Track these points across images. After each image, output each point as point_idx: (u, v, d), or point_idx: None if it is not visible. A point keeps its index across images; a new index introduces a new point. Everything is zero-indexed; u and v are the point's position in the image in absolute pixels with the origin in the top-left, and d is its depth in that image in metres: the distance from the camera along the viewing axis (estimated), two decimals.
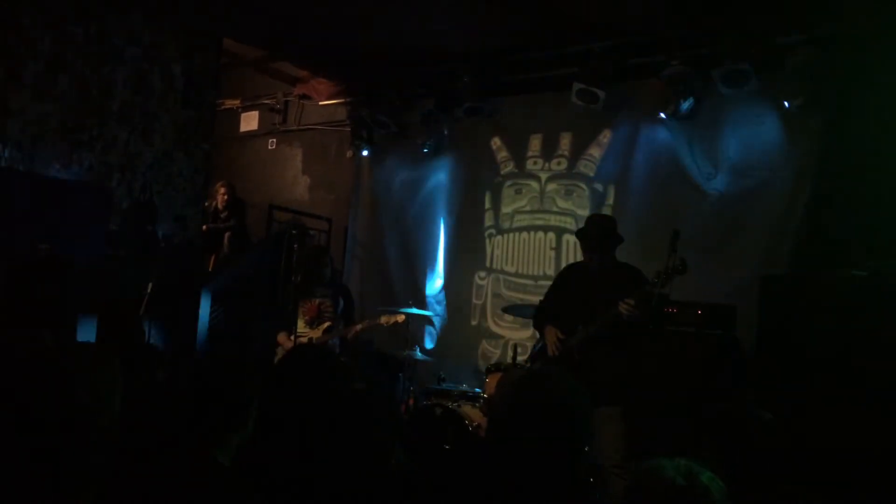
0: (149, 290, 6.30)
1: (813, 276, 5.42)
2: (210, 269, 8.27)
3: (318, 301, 6.01)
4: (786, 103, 6.06)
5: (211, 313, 7.21)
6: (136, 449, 2.22)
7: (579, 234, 5.02)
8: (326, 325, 5.97)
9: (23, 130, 6.54)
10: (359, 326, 5.97)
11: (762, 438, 2.44)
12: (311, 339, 5.85)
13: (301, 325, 5.96)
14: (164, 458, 2.13)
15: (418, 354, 6.52)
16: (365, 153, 8.70)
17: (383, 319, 6.00)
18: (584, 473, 4.86)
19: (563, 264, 6.84)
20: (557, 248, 7.37)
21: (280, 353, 5.90)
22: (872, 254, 4.93)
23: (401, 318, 6.05)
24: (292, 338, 5.87)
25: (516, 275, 7.65)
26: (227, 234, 8.50)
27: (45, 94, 6.67)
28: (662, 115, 6.67)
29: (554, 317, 4.94)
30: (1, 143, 6.41)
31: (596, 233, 4.85)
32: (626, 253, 5.20)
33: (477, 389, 6.27)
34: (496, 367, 6.24)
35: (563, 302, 4.98)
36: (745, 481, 2.27)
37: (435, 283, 8.11)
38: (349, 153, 8.88)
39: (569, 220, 7.24)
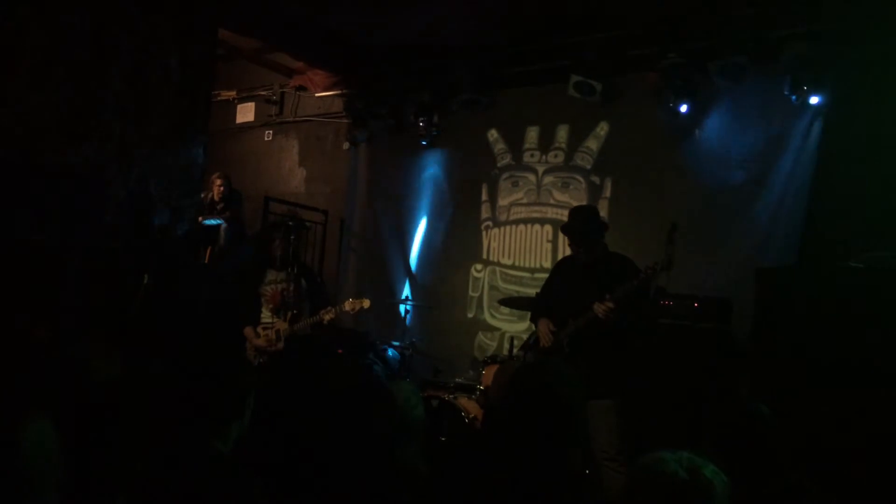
0: (145, 282, 6.28)
1: (810, 269, 5.43)
2: (206, 261, 8.25)
3: (280, 287, 5.82)
4: (783, 96, 6.06)
5: (206, 305, 7.20)
6: (137, 438, 2.22)
7: (563, 228, 5.02)
8: (292, 313, 5.78)
9: (18, 121, 6.50)
10: (326, 316, 5.78)
11: (760, 432, 2.44)
12: (278, 331, 5.68)
13: (266, 314, 5.75)
14: (163, 447, 2.13)
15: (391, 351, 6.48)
16: (361, 145, 8.69)
17: (348, 306, 5.79)
18: (579, 465, 4.87)
19: (560, 257, 6.85)
20: (554, 241, 7.38)
21: (249, 348, 5.71)
22: (870, 247, 4.93)
23: (366, 303, 5.88)
24: (259, 330, 5.70)
25: (513, 267, 7.66)
26: (222, 226, 8.47)
27: (40, 86, 6.62)
28: (660, 106, 6.67)
29: (548, 309, 4.95)
30: None
31: (578, 224, 4.85)
32: (622, 245, 5.21)
33: (473, 382, 6.28)
34: (492, 360, 6.25)
35: (555, 294, 5.00)
36: (743, 475, 2.28)
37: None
38: (345, 145, 8.88)
39: (565, 212, 7.20)
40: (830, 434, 4.05)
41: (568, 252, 6.29)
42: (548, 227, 7.47)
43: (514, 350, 6.30)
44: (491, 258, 7.82)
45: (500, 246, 7.78)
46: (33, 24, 6.55)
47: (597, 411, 4.46)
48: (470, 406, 5.74)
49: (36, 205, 6.22)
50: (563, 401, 2.48)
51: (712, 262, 6.28)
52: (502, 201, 7.79)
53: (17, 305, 5.55)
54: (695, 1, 6.23)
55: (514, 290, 7.51)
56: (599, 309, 4.46)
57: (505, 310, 7.42)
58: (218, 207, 8.49)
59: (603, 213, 6.55)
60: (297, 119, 9.71)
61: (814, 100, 5.95)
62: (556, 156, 7.51)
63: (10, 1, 6.40)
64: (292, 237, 5.85)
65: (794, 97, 6.01)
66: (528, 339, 5.23)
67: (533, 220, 7.58)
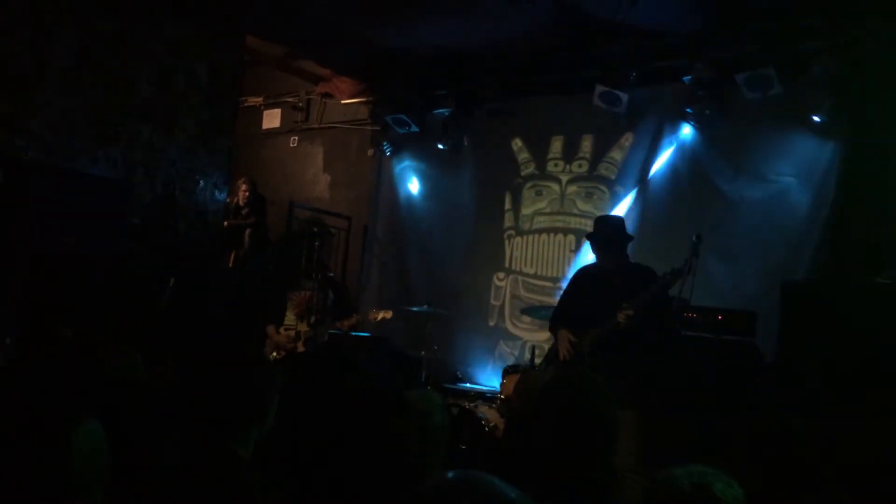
0: (170, 285, 6.35)
1: (835, 284, 5.37)
2: (230, 266, 8.31)
3: (307, 294, 6.01)
4: (810, 109, 6.00)
5: (230, 308, 7.25)
6: (158, 441, 2.24)
7: (589, 236, 5.02)
8: (315, 318, 5.96)
9: (47, 125, 6.60)
10: (346, 322, 6.00)
11: (793, 446, 2.41)
12: (298, 332, 5.88)
13: (290, 318, 5.99)
14: (183, 451, 2.14)
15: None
16: (386, 152, 8.72)
17: (372, 315, 6.08)
18: (603, 477, 4.83)
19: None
20: (577, 251, 7.35)
21: (269, 345, 5.94)
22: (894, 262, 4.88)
23: (389, 314, 6.11)
24: (281, 330, 5.92)
25: (535, 276, 7.64)
26: (247, 231, 8.53)
27: (70, 90, 6.72)
28: (685, 118, 6.64)
29: (568, 320, 4.93)
30: (26, 137, 6.47)
31: (605, 233, 4.84)
32: (646, 257, 5.18)
33: (495, 389, 6.27)
34: (514, 369, 6.23)
35: (576, 304, 4.97)
36: (771, 490, 2.25)
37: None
38: (370, 152, 8.92)
39: (589, 222, 7.18)
40: (854, 450, 4.00)
41: (590, 262, 6.29)
42: (571, 237, 7.44)
43: (536, 359, 6.28)
44: (513, 267, 7.81)
45: (522, 255, 7.76)
46: (63, 29, 6.65)
47: (619, 423, 4.43)
48: (490, 415, 5.73)
49: (64, 207, 6.29)
50: (596, 412, 2.47)
51: (737, 275, 6.23)
52: (525, 210, 7.78)
53: (47, 306, 5.62)
54: (722, 12, 6.19)
55: (536, 299, 7.48)
56: (621, 316, 4.43)
57: (527, 319, 7.40)
58: (243, 212, 8.55)
59: (626, 223, 6.52)
60: (322, 126, 9.76)
61: (842, 113, 5.89)
62: (580, 165, 7.49)
63: (42, 6, 6.50)
64: (316, 244, 5.97)
65: (821, 109, 5.95)
66: (550, 350, 5.21)
67: (556, 230, 7.56)
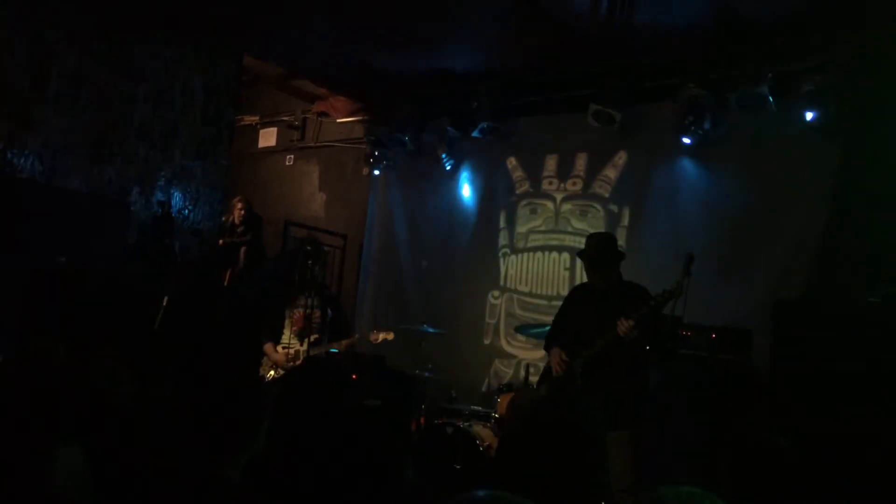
0: (164, 304, 6.34)
1: (827, 302, 5.38)
2: (226, 284, 8.30)
3: (306, 311, 5.99)
4: (802, 126, 6.04)
5: (224, 327, 7.24)
6: (145, 464, 2.22)
7: (581, 254, 5.03)
8: (314, 337, 5.94)
9: (44, 143, 6.62)
10: (345, 342, 5.99)
11: (780, 465, 2.41)
12: (297, 351, 5.86)
13: (287, 336, 5.96)
14: (174, 474, 2.13)
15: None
16: (381, 171, 8.74)
17: (373, 336, 6.04)
18: (595, 497, 4.82)
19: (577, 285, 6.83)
20: (571, 269, 7.36)
21: (266, 363, 5.92)
22: (889, 278, 4.89)
23: (390, 335, 6.08)
24: (279, 348, 5.90)
25: (530, 294, 7.64)
26: (243, 249, 8.52)
27: (66, 108, 6.76)
28: (678, 137, 6.67)
29: (562, 338, 4.93)
30: (22, 155, 6.49)
31: (597, 251, 4.85)
32: (639, 275, 5.18)
33: (489, 409, 6.25)
34: (508, 388, 6.22)
35: (569, 323, 4.97)
36: None
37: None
38: (365, 171, 8.94)
39: (583, 240, 7.18)
40: (848, 467, 4.00)
41: (585, 280, 6.29)
42: (565, 255, 7.45)
43: (530, 378, 6.27)
44: (508, 285, 7.82)
45: (517, 273, 7.77)
46: (61, 47, 6.69)
47: (613, 443, 4.42)
48: (485, 434, 5.71)
49: (60, 225, 6.30)
50: (585, 432, 2.47)
51: (731, 293, 6.24)
52: (520, 228, 7.79)
53: (40, 325, 5.61)
54: (715, 32, 6.23)
55: (531, 317, 7.48)
56: (622, 327, 4.42)
57: (521, 337, 7.39)
58: (238, 230, 8.56)
59: (620, 241, 6.51)
60: (318, 144, 9.80)
61: (835, 130, 5.92)
62: (574, 184, 7.51)
63: (40, 26, 6.54)
64: (309, 262, 5.96)
65: (814, 127, 5.99)
66: (545, 369, 5.20)
67: (551, 248, 7.58)
